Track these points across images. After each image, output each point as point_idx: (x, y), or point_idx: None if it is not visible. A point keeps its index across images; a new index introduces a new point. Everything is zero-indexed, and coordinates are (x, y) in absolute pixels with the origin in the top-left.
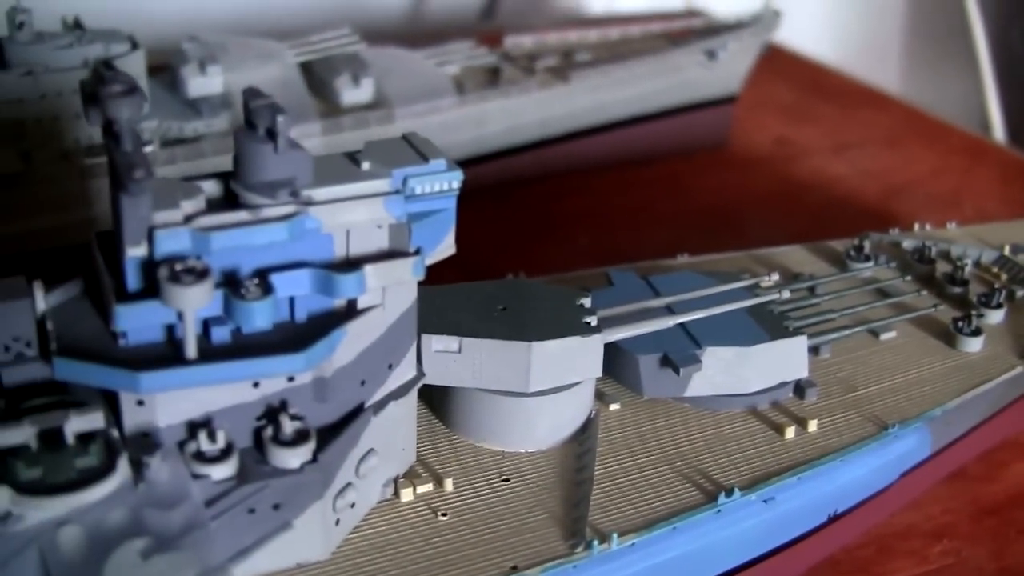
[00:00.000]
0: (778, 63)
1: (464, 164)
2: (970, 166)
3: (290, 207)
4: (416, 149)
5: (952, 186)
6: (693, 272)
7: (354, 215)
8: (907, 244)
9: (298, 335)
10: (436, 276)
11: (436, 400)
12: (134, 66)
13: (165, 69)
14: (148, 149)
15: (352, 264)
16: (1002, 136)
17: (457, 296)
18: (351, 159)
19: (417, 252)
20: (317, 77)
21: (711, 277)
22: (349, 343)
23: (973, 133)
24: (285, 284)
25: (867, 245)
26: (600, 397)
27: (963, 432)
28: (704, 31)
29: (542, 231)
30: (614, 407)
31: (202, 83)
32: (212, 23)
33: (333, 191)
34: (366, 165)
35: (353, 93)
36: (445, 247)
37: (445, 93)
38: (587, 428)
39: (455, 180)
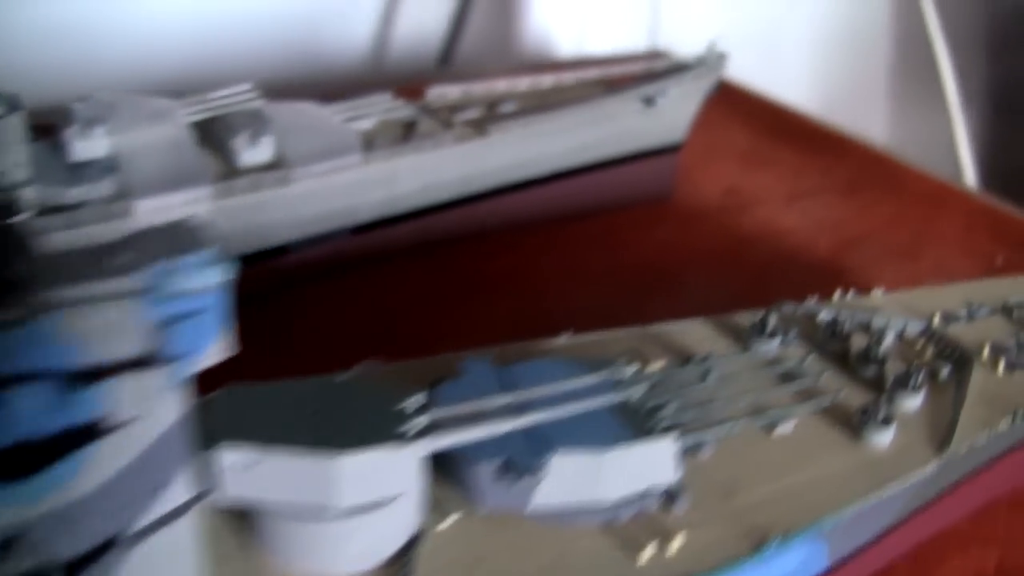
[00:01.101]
0: (736, 104)
1: (374, 225)
2: (932, 214)
3: (21, 310)
4: (182, 239)
5: (911, 236)
6: (559, 360)
7: (98, 319)
8: (823, 316)
9: (27, 460)
10: (327, 350)
11: (239, 515)
12: (12, 131)
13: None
14: (20, 218)
15: (96, 375)
16: (973, 179)
17: (264, 398)
18: (102, 252)
19: (177, 358)
20: (215, 137)
21: (580, 365)
22: (96, 465)
23: (939, 177)
24: (12, 399)
25: (773, 320)
26: (437, 508)
27: (871, 539)
28: (643, 77)
29: (462, 295)
30: (448, 522)
31: (86, 146)
32: (158, 75)
33: (74, 292)
34: (118, 259)
35: (251, 153)
36: (216, 350)
37: (350, 151)
38: (411, 548)
39: (219, 276)
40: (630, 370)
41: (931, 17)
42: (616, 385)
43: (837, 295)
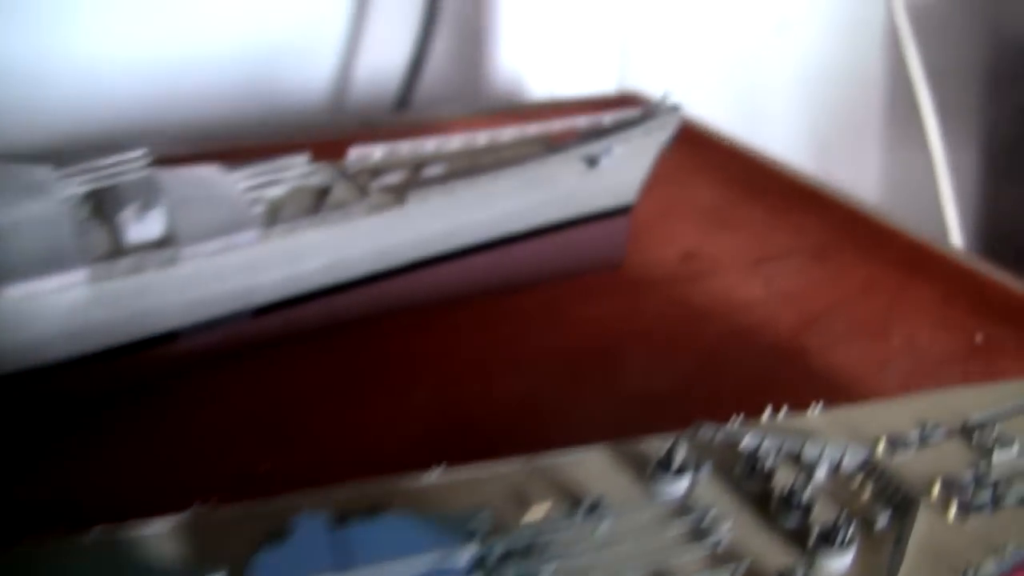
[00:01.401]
0: (702, 152)
1: (277, 306)
2: (909, 281)
3: None
4: None
5: (883, 308)
6: (410, 520)
7: None
8: (746, 442)
9: None
10: (217, 451)
11: None
12: None
13: None
14: None
15: None
16: (958, 234)
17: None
18: None
19: None
20: (104, 209)
21: (435, 527)
22: None
23: (920, 237)
24: None
25: (682, 452)
26: None
27: None
28: (588, 132)
29: (373, 382)
30: None
31: None
32: (110, 118)
33: None
34: None
35: (139, 228)
36: None
37: (247, 226)
38: None
39: None
40: (499, 526)
41: (912, 59)
42: (477, 549)
43: (767, 415)
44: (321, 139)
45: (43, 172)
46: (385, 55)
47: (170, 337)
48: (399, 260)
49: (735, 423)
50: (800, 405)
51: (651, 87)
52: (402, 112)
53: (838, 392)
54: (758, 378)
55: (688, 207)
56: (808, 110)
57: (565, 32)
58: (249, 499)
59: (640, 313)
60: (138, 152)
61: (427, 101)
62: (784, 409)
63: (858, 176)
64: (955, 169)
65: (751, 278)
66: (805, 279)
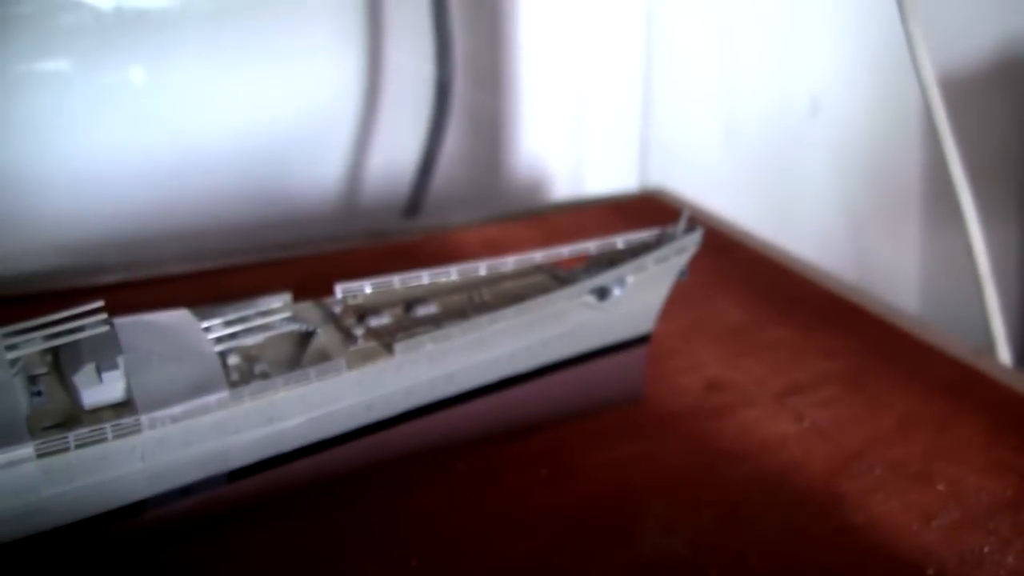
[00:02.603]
0: (729, 259)
1: (251, 469)
2: (951, 411)
3: None
4: None
5: (923, 447)
6: None
7: None
8: None
9: None
10: None
11: None
12: None
13: None
14: None
15: None
16: (1007, 354)
17: None
18: None
19: None
20: (62, 370)
21: None
22: None
23: (964, 355)
24: None
25: None
26: None
27: None
28: (598, 259)
29: (359, 549)
30: None
31: None
32: (112, 222)
33: None
34: None
35: (96, 392)
36: None
37: (216, 385)
38: None
39: None
40: None
41: (951, 153)
42: None
43: None
44: (325, 252)
45: None
46: (397, 153)
47: (137, 508)
48: (388, 412)
49: None
50: (833, 568)
51: (676, 180)
52: (412, 218)
53: (878, 551)
54: (788, 533)
55: (712, 328)
56: (843, 193)
57: (588, 125)
58: None
59: (659, 457)
60: (95, 304)
61: (441, 200)
62: None
63: (897, 257)
64: (999, 246)
65: (780, 411)
66: (839, 412)
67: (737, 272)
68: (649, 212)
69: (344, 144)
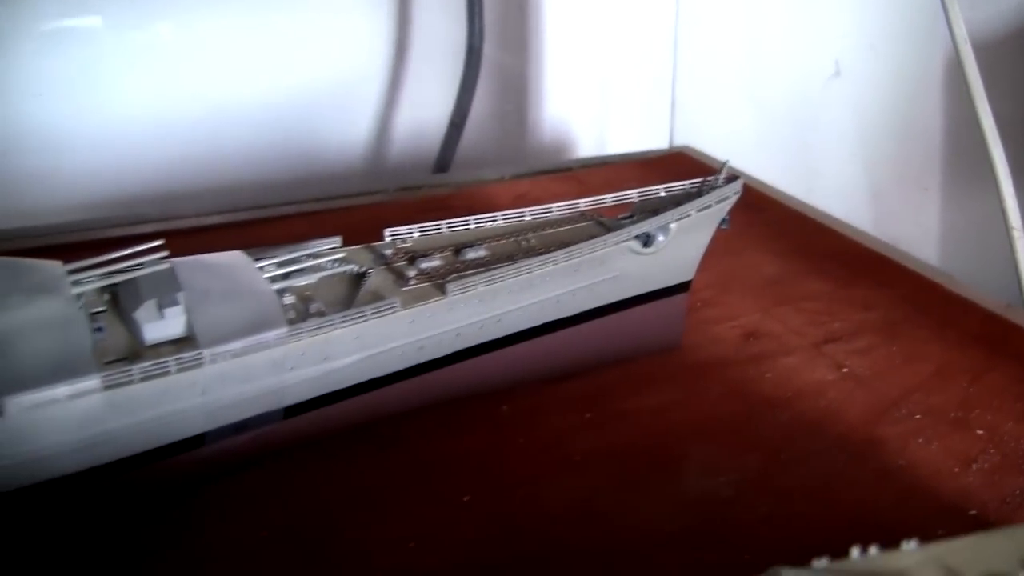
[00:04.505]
0: (761, 215)
1: (307, 406)
2: (986, 361)
3: None
4: None
5: (960, 394)
6: None
7: None
8: None
9: None
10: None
11: None
12: None
13: None
14: None
15: None
16: None
17: None
18: None
19: None
20: (118, 308)
21: None
22: None
23: (996, 309)
24: None
25: None
26: None
27: None
28: (642, 207)
29: (410, 487)
30: None
31: None
32: (146, 177)
33: None
34: None
35: (158, 327)
36: None
37: (274, 322)
38: None
39: None
40: None
41: (983, 108)
42: None
43: (855, 554)
44: (358, 204)
45: (53, 268)
46: (424, 112)
47: (195, 442)
48: (439, 352)
49: (820, 565)
50: (876, 509)
51: (701, 141)
52: (442, 175)
53: (918, 495)
54: (829, 477)
55: (747, 280)
56: (863, 160)
57: (614, 87)
58: None
59: (699, 402)
60: (155, 243)
61: (469, 160)
62: (874, 548)
63: (916, 226)
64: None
65: (818, 359)
66: (876, 360)
67: (769, 227)
68: (678, 168)
69: (372, 102)
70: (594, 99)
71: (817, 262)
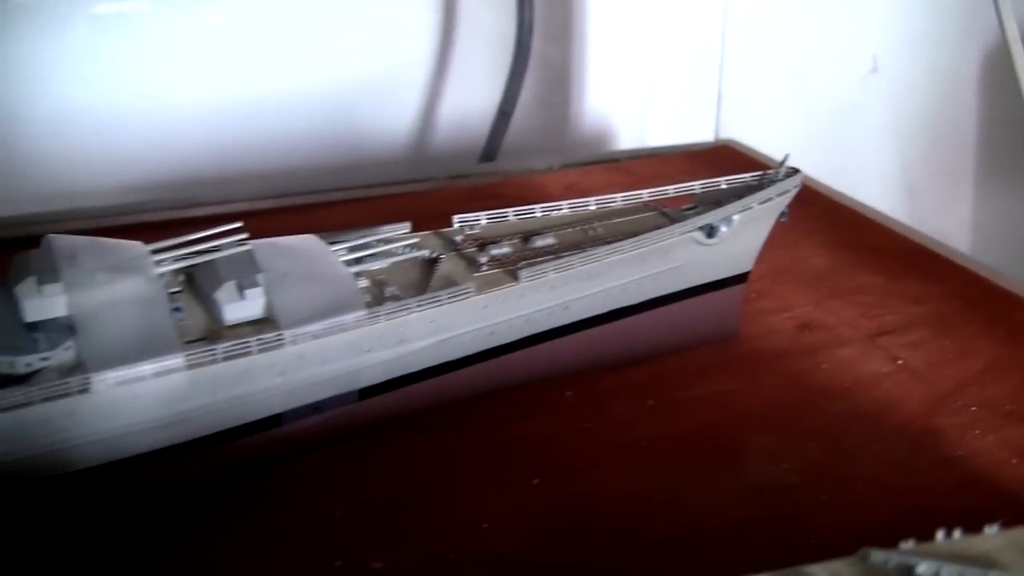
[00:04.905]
0: (810, 210)
1: (381, 388)
2: None
3: None
4: None
5: (1014, 387)
6: None
7: None
8: (923, 570)
9: None
10: (316, 539)
11: None
12: None
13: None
14: None
15: None
16: None
17: None
18: None
19: None
20: (199, 287)
21: None
22: None
23: None
24: None
25: None
26: None
27: None
28: (704, 198)
29: (482, 469)
30: None
31: (40, 304)
32: (188, 164)
33: None
34: None
35: (238, 308)
36: None
37: (352, 305)
38: None
39: None
40: None
41: None
42: None
43: (940, 537)
44: (409, 191)
45: (136, 248)
46: (468, 102)
47: (272, 422)
48: (508, 337)
49: (907, 547)
50: (937, 496)
51: (742, 134)
52: (491, 163)
53: (978, 484)
54: (890, 465)
55: (799, 272)
56: (898, 156)
57: (657, 79)
58: None
59: (758, 391)
60: (234, 224)
61: (511, 150)
62: (958, 531)
63: (948, 222)
64: None
65: (872, 351)
66: (929, 353)
67: (818, 221)
68: (724, 161)
69: (417, 92)
70: (636, 91)
71: (866, 256)
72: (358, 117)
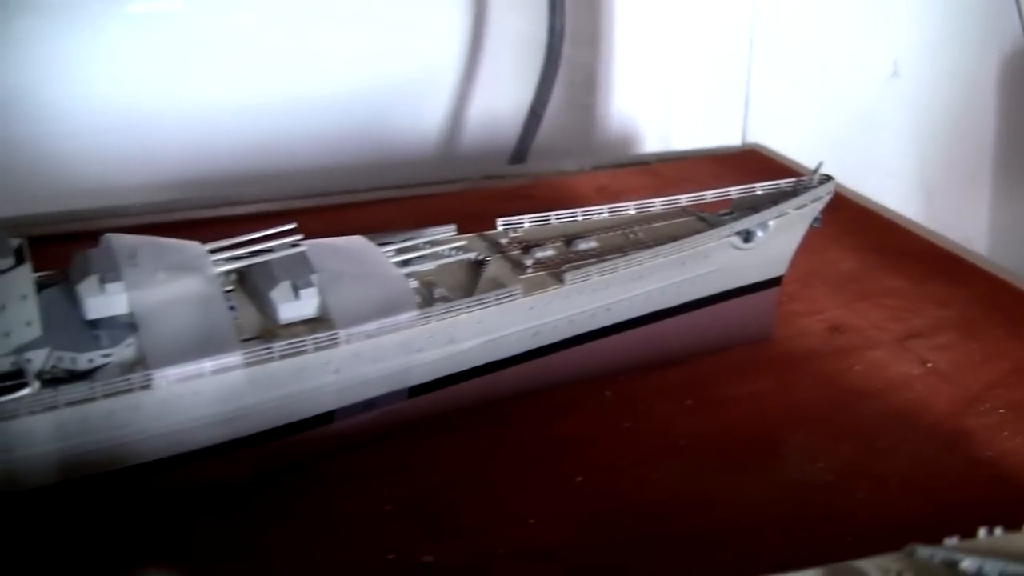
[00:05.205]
0: (837, 217)
1: (430, 387)
2: None
3: None
4: None
5: None
6: None
7: None
8: (968, 565)
9: None
10: (364, 534)
11: None
12: (17, 285)
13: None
14: (25, 392)
15: None
16: None
17: None
18: None
19: None
20: (254, 287)
21: None
22: None
23: None
24: None
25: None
26: None
27: None
28: (740, 202)
29: (527, 466)
30: None
31: (101, 303)
32: (217, 162)
33: None
34: None
35: (292, 307)
36: None
37: (404, 307)
38: None
39: None
40: None
41: None
42: None
43: (982, 533)
44: (442, 192)
45: (194, 248)
46: (496, 104)
47: (325, 419)
48: (552, 338)
49: (952, 544)
50: (969, 495)
51: (765, 139)
52: (523, 165)
53: (1009, 483)
54: (923, 464)
55: (827, 275)
56: (917, 159)
57: (682, 83)
58: None
59: (792, 391)
60: (289, 225)
61: (539, 152)
62: (999, 529)
63: (967, 224)
64: None
65: (902, 354)
66: (957, 356)
67: (844, 225)
68: (752, 165)
69: (446, 94)
70: (661, 95)
71: (892, 259)
72: (388, 118)
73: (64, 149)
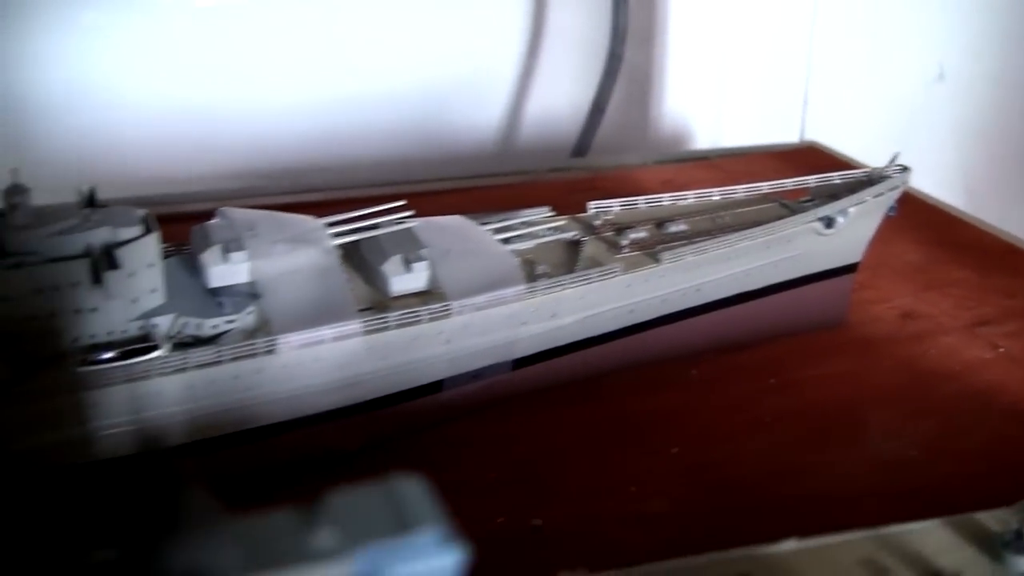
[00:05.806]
0: (906, 209)
1: (533, 359)
2: None
3: None
4: (399, 508)
5: None
6: None
7: None
8: None
9: None
10: (472, 500)
11: None
12: (145, 253)
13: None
14: (156, 354)
15: None
16: None
17: None
18: (301, 524)
19: None
20: (364, 260)
21: None
22: None
23: None
24: None
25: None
26: None
27: None
28: (818, 190)
29: (625, 437)
30: None
31: (224, 271)
32: (283, 155)
33: None
34: (322, 537)
35: (403, 280)
36: None
37: (511, 281)
38: None
39: (450, 562)
40: None
41: None
42: None
43: None
44: (509, 183)
45: (311, 222)
46: (553, 101)
47: (434, 388)
48: (646, 316)
49: None
50: None
51: (822, 135)
52: (586, 159)
53: None
54: (1002, 442)
55: (896, 265)
56: (961, 162)
57: (737, 81)
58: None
59: (871, 373)
60: (399, 203)
61: (596, 148)
62: None
63: (1009, 229)
64: None
65: (973, 340)
66: None
67: (909, 219)
68: (811, 161)
69: (505, 92)
70: (713, 93)
71: (956, 251)
72: (449, 115)
73: (131, 139)
